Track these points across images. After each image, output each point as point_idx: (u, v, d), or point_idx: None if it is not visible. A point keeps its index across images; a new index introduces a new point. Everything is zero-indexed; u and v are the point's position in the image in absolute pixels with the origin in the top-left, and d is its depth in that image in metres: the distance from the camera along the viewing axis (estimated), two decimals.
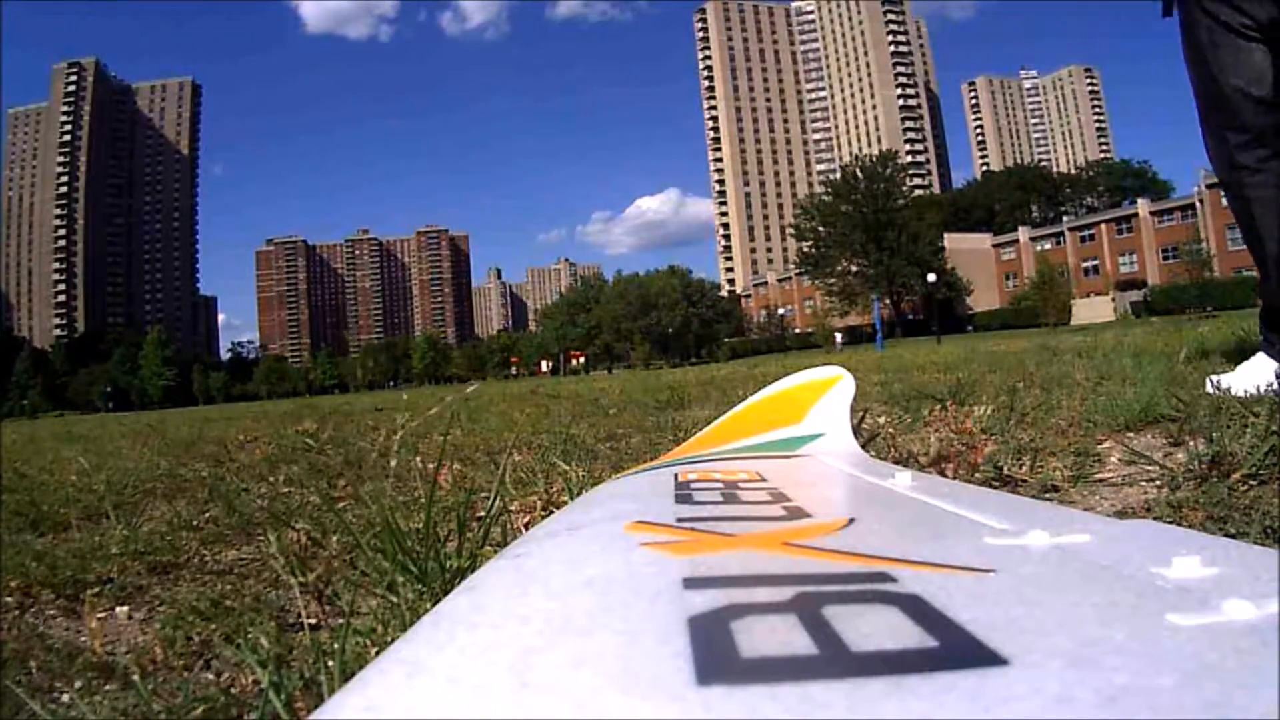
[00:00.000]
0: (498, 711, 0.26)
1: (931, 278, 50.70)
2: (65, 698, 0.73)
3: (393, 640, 0.42)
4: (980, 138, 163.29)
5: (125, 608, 1.04)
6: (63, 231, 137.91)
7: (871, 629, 0.30)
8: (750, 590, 0.37)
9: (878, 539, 0.52)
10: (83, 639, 0.90)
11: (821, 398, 1.34)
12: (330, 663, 0.66)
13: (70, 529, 1.54)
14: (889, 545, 0.47)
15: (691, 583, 0.38)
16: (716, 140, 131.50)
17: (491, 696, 0.27)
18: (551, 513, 1.06)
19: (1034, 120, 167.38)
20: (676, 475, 0.84)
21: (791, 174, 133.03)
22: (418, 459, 1.82)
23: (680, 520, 0.57)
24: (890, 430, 1.89)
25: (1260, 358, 2.06)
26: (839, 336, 46.98)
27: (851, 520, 0.55)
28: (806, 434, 1.21)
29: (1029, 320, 46.02)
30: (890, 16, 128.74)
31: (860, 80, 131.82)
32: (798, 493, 0.71)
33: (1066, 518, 0.53)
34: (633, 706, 0.25)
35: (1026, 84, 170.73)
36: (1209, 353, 3.11)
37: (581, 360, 66.21)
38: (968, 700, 0.24)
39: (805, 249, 65.22)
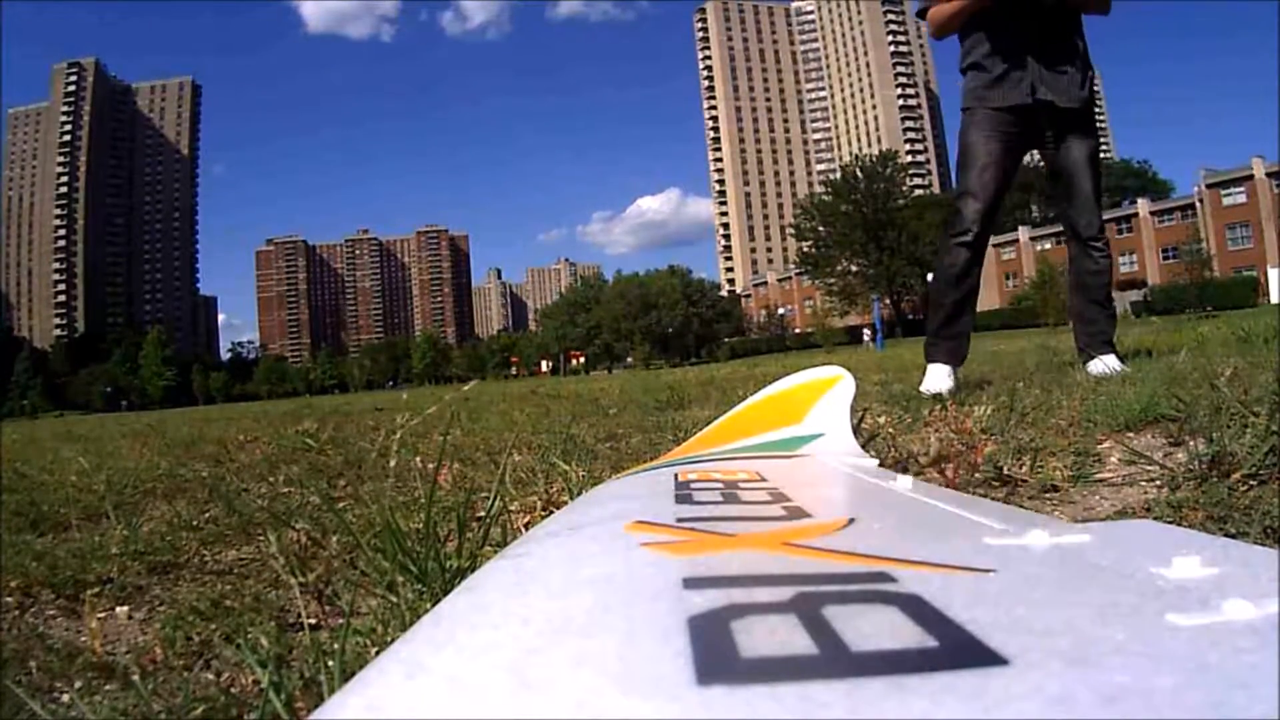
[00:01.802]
0: (498, 711, 0.26)
1: (931, 277, 50.52)
2: (65, 698, 0.73)
3: (393, 640, 0.42)
4: None
5: (125, 608, 1.04)
6: (63, 231, 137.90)
7: (871, 629, 0.30)
8: (750, 590, 0.36)
9: (878, 539, 0.52)
10: (83, 639, 0.90)
11: (821, 398, 1.34)
12: (330, 663, 0.66)
13: (70, 529, 1.54)
14: (889, 545, 0.47)
15: (691, 583, 0.38)
16: (716, 140, 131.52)
17: (491, 696, 0.27)
18: (551, 513, 1.06)
19: None
20: (676, 475, 0.84)
21: (791, 174, 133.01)
22: (418, 459, 1.82)
23: (680, 520, 0.57)
24: (890, 430, 1.89)
25: (934, 369, 2.90)
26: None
27: (851, 520, 0.55)
28: (806, 434, 1.21)
29: (1029, 320, 45.91)
30: (890, 16, 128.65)
31: (860, 80, 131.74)
32: (798, 493, 0.71)
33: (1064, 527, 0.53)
34: (633, 706, 0.25)
35: None
36: (1209, 350, 3.12)
37: (581, 360, 66.16)
38: (968, 700, 0.24)
39: (805, 249, 65.33)
